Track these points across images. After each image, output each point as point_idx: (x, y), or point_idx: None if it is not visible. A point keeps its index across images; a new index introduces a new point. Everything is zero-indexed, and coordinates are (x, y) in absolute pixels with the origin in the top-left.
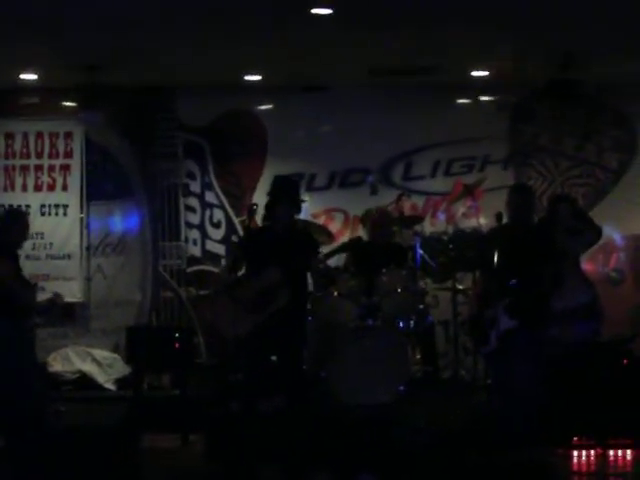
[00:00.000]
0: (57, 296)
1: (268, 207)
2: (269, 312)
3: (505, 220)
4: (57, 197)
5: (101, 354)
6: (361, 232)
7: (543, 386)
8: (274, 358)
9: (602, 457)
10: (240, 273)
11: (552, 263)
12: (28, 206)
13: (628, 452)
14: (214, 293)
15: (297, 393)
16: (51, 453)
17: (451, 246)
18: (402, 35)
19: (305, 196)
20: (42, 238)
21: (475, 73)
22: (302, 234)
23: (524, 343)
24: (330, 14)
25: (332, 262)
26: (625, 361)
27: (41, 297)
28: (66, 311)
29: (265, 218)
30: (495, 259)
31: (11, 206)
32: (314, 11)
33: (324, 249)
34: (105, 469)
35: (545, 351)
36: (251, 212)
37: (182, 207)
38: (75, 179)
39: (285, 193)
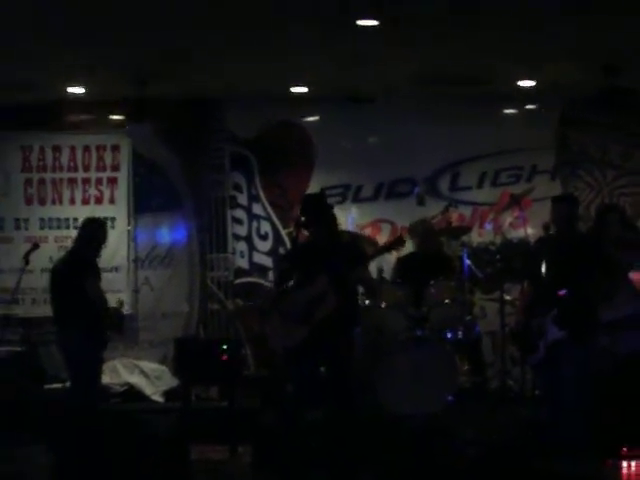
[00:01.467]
0: (120, 304)
1: (301, 225)
2: (318, 319)
3: (551, 231)
4: (105, 210)
5: (149, 366)
6: (408, 243)
7: (592, 397)
8: (322, 369)
9: None
10: (288, 285)
11: (602, 274)
12: (76, 219)
13: None
14: (262, 305)
15: (345, 404)
16: (100, 465)
17: (498, 257)
18: (448, 45)
19: (352, 207)
20: None
21: (522, 83)
22: (347, 245)
23: (572, 354)
24: (376, 25)
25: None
26: None
27: None
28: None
29: (307, 233)
30: (542, 269)
31: (76, 220)
32: (360, 23)
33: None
34: None
35: (594, 362)
36: (298, 225)
37: (229, 219)
38: (122, 192)
39: (313, 211)
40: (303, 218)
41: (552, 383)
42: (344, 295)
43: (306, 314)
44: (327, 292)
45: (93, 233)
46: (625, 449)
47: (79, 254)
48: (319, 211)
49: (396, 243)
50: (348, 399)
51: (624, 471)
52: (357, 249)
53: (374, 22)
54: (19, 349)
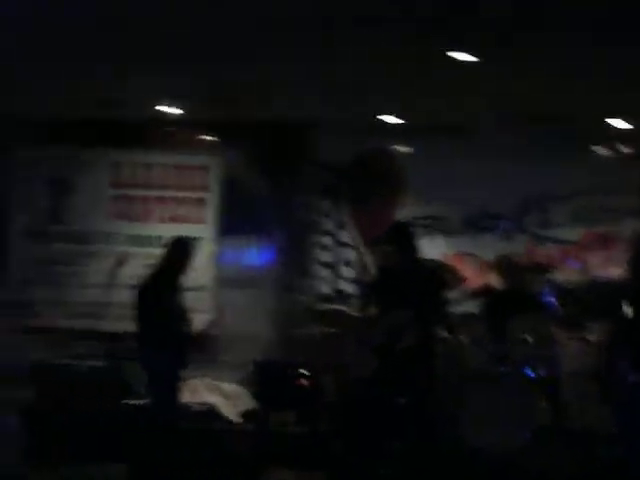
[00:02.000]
0: (210, 326)
1: (388, 251)
2: (394, 353)
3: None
4: (192, 230)
5: (229, 387)
6: (493, 278)
7: None
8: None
9: None
10: (370, 313)
11: None
12: (162, 237)
13: None
14: (343, 333)
15: (425, 435)
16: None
17: (583, 296)
18: (539, 81)
19: (438, 238)
20: None
21: (614, 122)
22: (430, 273)
23: None
24: (473, 61)
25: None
26: None
27: None
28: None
29: (389, 262)
30: (625, 309)
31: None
32: (458, 57)
33: (454, 293)
34: None
35: None
36: (382, 253)
37: (316, 245)
38: (210, 212)
39: (399, 239)
40: (388, 247)
41: (631, 424)
42: (423, 325)
43: (384, 344)
44: (407, 326)
45: (179, 252)
46: None
47: (164, 273)
48: (403, 240)
49: (482, 292)
50: (429, 431)
51: None
52: (440, 278)
53: (471, 57)
54: (103, 364)
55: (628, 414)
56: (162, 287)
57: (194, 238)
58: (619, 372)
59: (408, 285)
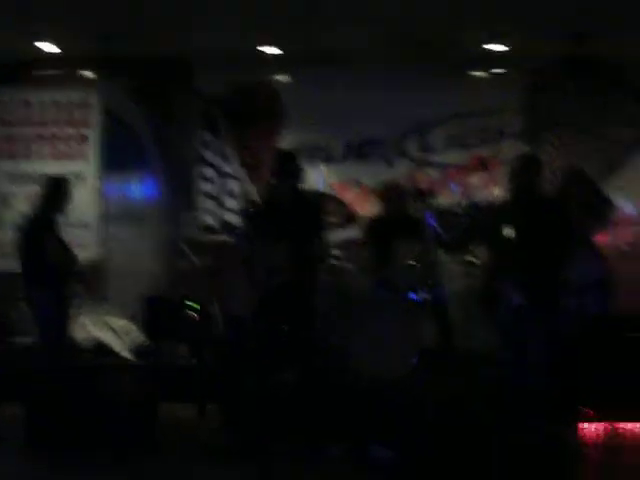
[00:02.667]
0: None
1: (272, 181)
2: (272, 288)
3: (511, 191)
4: (74, 166)
5: (117, 323)
6: (376, 205)
7: (555, 360)
8: (285, 328)
9: (613, 430)
10: (254, 245)
11: (564, 238)
12: (45, 175)
13: (637, 425)
14: (226, 266)
15: (309, 364)
16: (69, 421)
17: (465, 219)
18: (417, 8)
19: (320, 167)
20: None
21: (492, 46)
22: (309, 206)
23: (535, 317)
24: None
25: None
26: (637, 335)
27: None
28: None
29: (272, 192)
30: (506, 232)
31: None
32: None
33: (340, 220)
34: (122, 437)
35: (557, 325)
36: (267, 186)
37: (198, 177)
38: (92, 148)
39: (285, 166)
40: (272, 175)
41: (513, 346)
42: (303, 258)
43: (264, 278)
44: (284, 260)
45: (54, 191)
46: (586, 411)
47: (40, 212)
48: (288, 169)
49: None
50: (311, 359)
51: (585, 433)
52: (319, 214)
53: None
54: None
55: (510, 335)
56: (42, 226)
57: (75, 175)
58: (502, 294)
59: (291, 216)
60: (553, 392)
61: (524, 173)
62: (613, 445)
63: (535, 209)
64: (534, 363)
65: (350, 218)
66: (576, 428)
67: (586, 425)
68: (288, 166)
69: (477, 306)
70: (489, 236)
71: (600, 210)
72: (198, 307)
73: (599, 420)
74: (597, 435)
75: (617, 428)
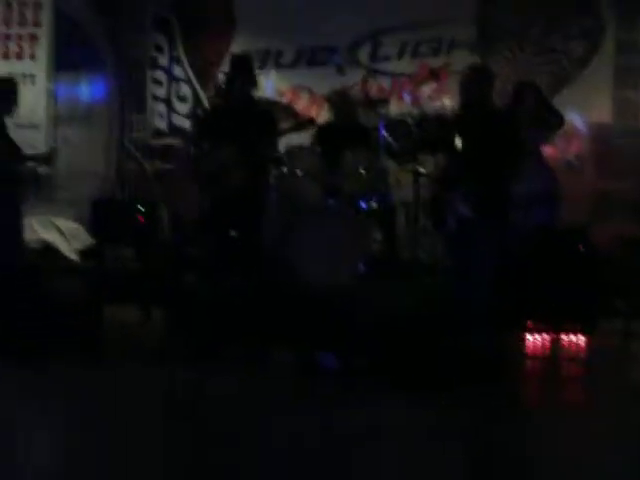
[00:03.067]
0: (53, 150)
1: (225, 86)
2: (220, 192)
3: (461, 102)
4: (25, 66)
5: (65, 224)
6: (326, 112)
7: (499, 270)
8: (234, 234)
9: (555, 342)
10: (204, 149)
11: (513, 150)
12: None
13: (580, 337)
14: (177, 169)
15: (256, 269)
16: (13, 320)
17: (415, 129)
18: None
19: (271, 73)
20: None
21: None
22: (261, 112)
23: (481, 228)
24: None
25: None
26: (581, 247)
27: None
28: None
29: (225, 96)
30: (458, 143)
31: None
32: None
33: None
34: (67, 338)
35: (503, 237)
36: (218, 90)
37: (149, 80)
38: (43, 49)
39: (239, 71)
40: (226, 78)
41: (460, 256)
42: (253, 163)
43: (213, 182)
44: (234, 164)
45: (2, 92)
46: (529, 322)
47: None
48: (244, 73)
49: (304, 124)
50: (256, 264)
51: (528, 344)
52: (271, 120)
53: None
54: None
55: (456, 246)
56: None
57: (25, 75)
58: (450, 204)
59: (243, 120)
60: (498, 304)
61: (474, 84)
62: (555, 356)
63: (485, 120)
64: (478, 274)
65: (299, 125)
66: (520, 339)
67: (530, 337)
68: (243, 71)
69: (425, 216)
70: (439, 146)
71: (550, 123)
72: (145, 210)
73: (543, 332)
74: (541, 346)
75: (560, 340)
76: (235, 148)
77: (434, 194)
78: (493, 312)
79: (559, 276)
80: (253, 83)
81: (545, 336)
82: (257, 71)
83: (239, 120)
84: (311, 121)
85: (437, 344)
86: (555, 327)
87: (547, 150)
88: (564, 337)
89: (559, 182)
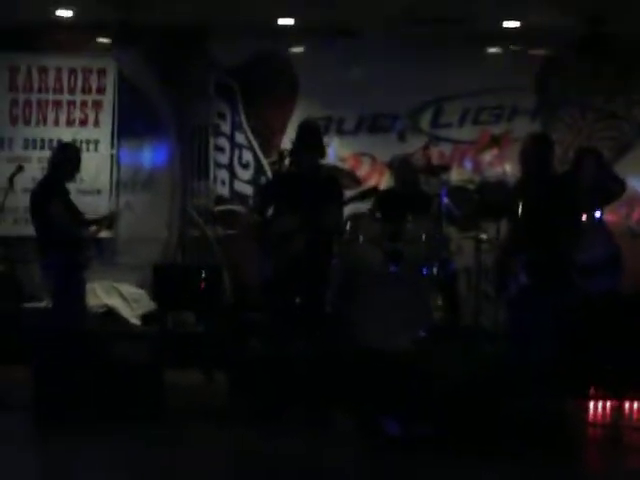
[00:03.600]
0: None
1: (292, 153)
2: (285, 258)
3: (522, 169)
4: (89, 133)
5: (127, 289)
6: (388, 178)
7: (561, 337)
8: (298, 300)
9: (618, 409)
10: (268, 215)
11: (573, 217)
12: (60, 140)
13: None
14: (237, 235)
15: (318, 334)
16: (76, 386)
17: (476, 195)
18: None
19: (334, 140)
20: None
21: (507, 23)
22: (328, 180)
23: (541, 295)
24: None
25: (357, 208)
26: None
27: None
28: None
29: (291, 164)
30: (519, 210)
31: (60, 141)
32: None
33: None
34: (129, 403)
35: (563, 303)
36: (282, 157)
37: (212, 147)
38: (107, 115)
39: (308, 139)
40: (294, 146)
41: (520, 322)
42: (316, 232)
43: (277, 249)
44: (298, 232)
45: (64, 158)
46: (592, 389)
47: (49, 181)
48: (312, 142)
49: (368, 193)
50: (321, 330)
51: (590, 411)
52: (337, 186)
53: None
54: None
55: (517, 311)
56: (53, 191)
57: (89, 141)
58: (511, 271)
59: (304, 189)
60: (560, 370)
61: (534, 152)
62: (618, 424)
63: (545, 188)
64: (538, 341)
65: (364, 193)
66: (582, 405)
67: (592, 402)
68: (311, 139)
69: (486, 282)
70: (500, 213)
71: (611, 189)
72: (207, 275)
73: (606, 398)
74: (603, 413)
75: (623, 407)
76: (301, 215)
77: (496, 260)
78: (556, 378)
79: (622, 343)
80: (321, 151)
81: (608, 403)
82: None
83: (306, 187)
84: (374, 190)
85: (498, 410)
86: (618, 394)
87: (609, 217)
88: (627, 404)
89: (621, 249)
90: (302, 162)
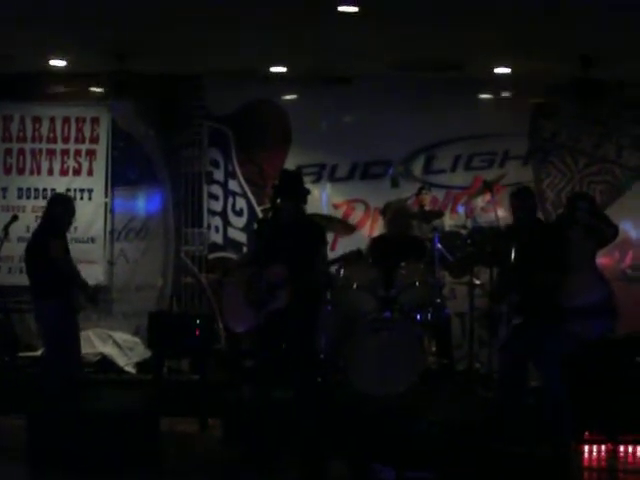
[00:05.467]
0: (98, 289)
1: (274, 201)
2: (268, 311)
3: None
4: (82, 182)
5: (122, 337)
6: (381, 225)
7: (554, 382)
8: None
9: (613, 453)
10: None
11: (564, 261)
12: (54, 190)
13: (638, 448)
14: (228, 282)
15: (309, 381)
16: (72, 435)
17: (469, 241)
18: (424, 32)
19: (326, 186)
20: None
21: (497, 70)
22: (311, 228)
23: (529, 339)
24: (356, 12)
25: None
26: (638, 358)
27: None
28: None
29: (273, 212)
30: (509, 256)
31: (54, 190)
32: (341, 9)
33: (343, 241)
34: (125, 451)
35: (557, 348)
36: (274, 205)
37: (205, 194)
38: (100, 164)
39: (288, 187)
40: (275, 193)
41: (509, 366)
42: (301, 284)
43: (262, 300)
44: (281, 284)
45: (59, 209)
46: (587, 433)
47: (46, 230)
48: (293, 188)
49: (351, 255)
50: (310, 378)
51: (585, 455)
52: (319, 233)
53: (354, 9)
54: None
55: (505, 356)
56: (48, 240)
57: (83, 190)
58: (500, 315)
59: (288, 237)
60: (554, 414)
61: (519, 203)
62: (613, 468)
63: (536, 233)
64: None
65: (346, 257)
66: (577, 450)
67: (587, 447)
68: (292, 186)
69: (479, 326)
70: (492, 258)
71: (604, 233)
72: (201, 323)
73: (601, 442)
74: (598, 457)
75: (618, 451)
76: (288, 262)
77: (489, 305)
78: (548, 422)
79: (616, 387)
80: (301, 198)
81: (603, 447)
82: (311, 185)
83: (288, 236)
84: (358, 252)
85: (494, 455)
86: (613, 438)
87: (602, 260)
88: (622, 448)
89: (614, 293)
90: (283, 209)
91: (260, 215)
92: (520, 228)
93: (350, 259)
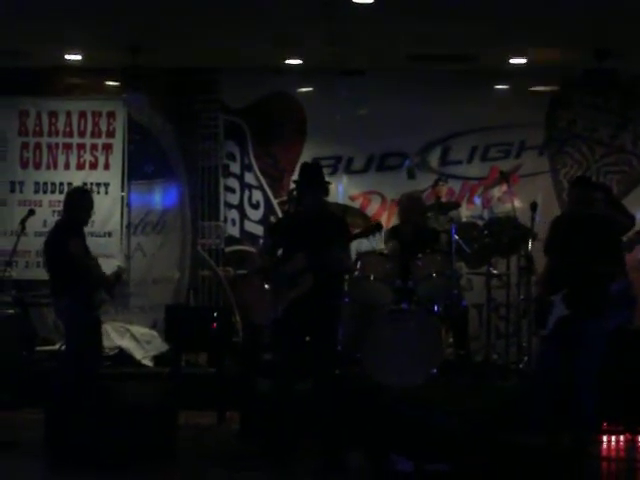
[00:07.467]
0: (121, 270)
1: (297, 194)
2: (292, 298)
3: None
4: (99, 175)
5: (139, 331)
6: (398, 216)
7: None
8: (308, 339)
9: (632, 443)
10: (277, 254)
11: (619, 254)
12: (70, 184)
13: None
14: (248, 275)
15: (327, 374)
16: (89, 429)
17: (486, 232)
18: (441, 23)
19: (343, 179)
20: None
21: (513, 60)
22: (333, 218)
23: (575, 332)
24: (371, 3)
25: (367, 246)
26: None
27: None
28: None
29: (297, 204)
30: (561, 245)
31: (70, 184)
32: (356, 0)
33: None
34: (142, 445)
35: (598, 343)
36: (290, 197)
37: (222, 187)
38: (117, 158)
39: (310, 179)
40: (297, 186)
41: (551, 359)
42: (324, 270)
43: (287, 288)
44: (305, 271)
45: (78, 202)
46: (605, 424)
47: (65, 223)
48: (315, 180)
49: (373, 229)
50: (330, 369)
51: (604, 445)
52: (343, 224)
53: (369, 0)
54: (11, 311)
55: (550, 346)
56: (72, 231)
57: (99, 184)
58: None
59: (310, 229)
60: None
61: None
62: (632, 457)
63: (595, 224)
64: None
65: (367, 229)
66: (595, 440)
67: (605, 437)
68: (313, 178)
69: (497, 318)
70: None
71: (621, 223)
72: (219, 316)
73: (620, 432)
74: (617, 447)
75: (637, 440)
76: (307, 254)
77: (538, 295)
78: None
79: (635, 377)
80: (323, 190)
81: (621, 437)
82: (327, 177)
83: (310, 226)
84: (379, 225)
85: (511, 447)
86: (631, 428)
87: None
88: None
89: (632, 283)
90: (305, 201)
91: (276, 208)
92: (581, 219)
93: (370, 232)
